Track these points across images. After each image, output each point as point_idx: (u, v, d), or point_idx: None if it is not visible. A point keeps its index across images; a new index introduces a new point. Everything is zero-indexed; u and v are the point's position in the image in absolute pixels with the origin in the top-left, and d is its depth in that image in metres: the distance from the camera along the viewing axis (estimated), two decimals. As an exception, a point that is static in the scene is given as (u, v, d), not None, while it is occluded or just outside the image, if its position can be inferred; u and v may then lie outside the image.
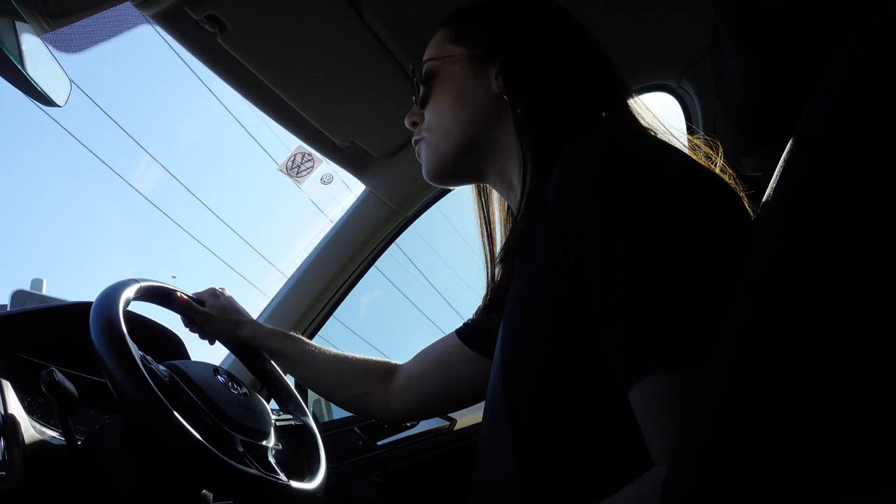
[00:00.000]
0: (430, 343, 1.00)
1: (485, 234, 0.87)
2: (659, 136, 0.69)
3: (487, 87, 0.72)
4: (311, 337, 1.44)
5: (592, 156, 0.56)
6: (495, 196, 0.87)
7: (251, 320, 1.03)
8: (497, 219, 0.87)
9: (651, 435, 0.49)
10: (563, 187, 0.56)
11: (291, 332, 1.05)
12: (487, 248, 0.87)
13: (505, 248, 0.69)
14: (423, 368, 0.98)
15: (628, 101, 0.72)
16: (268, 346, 1.02)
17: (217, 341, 1.02)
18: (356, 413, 1.12)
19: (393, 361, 1.04)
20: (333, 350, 1.04)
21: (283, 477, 0.73)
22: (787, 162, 0.38)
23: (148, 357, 0.71)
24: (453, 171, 0.77)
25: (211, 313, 0.99)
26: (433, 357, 0.98)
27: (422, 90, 0.77)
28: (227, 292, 1.05)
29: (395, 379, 1.00)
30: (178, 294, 0.96)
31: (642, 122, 0.71)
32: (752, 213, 0.60)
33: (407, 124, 0.80)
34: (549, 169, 0.62)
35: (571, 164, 0.56)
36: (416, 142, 0.79)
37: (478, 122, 0.73)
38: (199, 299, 1.01)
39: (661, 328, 0.49)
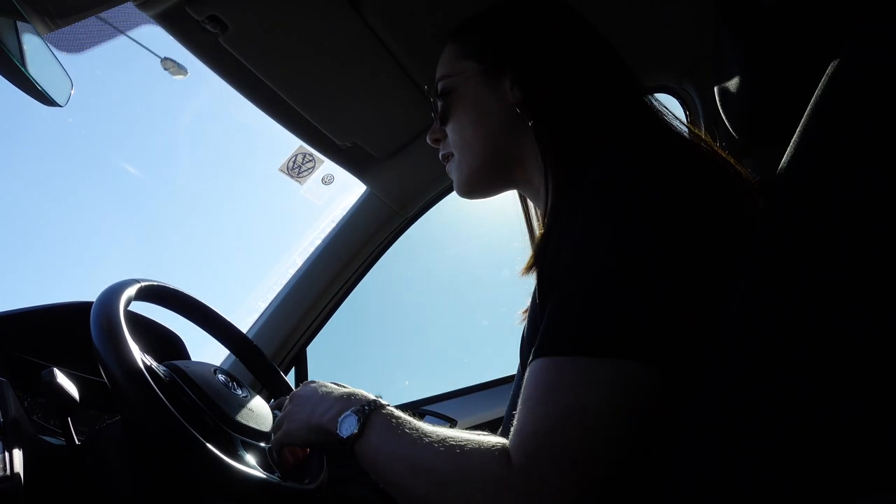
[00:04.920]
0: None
1: (529, 234, 0.88)
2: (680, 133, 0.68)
3: (503, 99, 0.72)
4: (311, 338, 1.44)
5: (600, 184, 0.55)
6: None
7: None
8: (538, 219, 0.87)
9: (518, 410, 0.50)
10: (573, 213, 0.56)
11: None
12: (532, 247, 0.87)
13: (533, 256, 0.69)
14: None
15: (643, 99, 0.71)
16: None
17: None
18: None
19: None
20: None
21: (281, 478, 0.73)
22: (788, 163, 0.38)
23: (147, 357, 0.71)
24: (483, 186, 0.79)
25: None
26: None
27: (440, 107, 0.78)
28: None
29: None
30: None
31: (665, 118, 0.70)
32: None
33: (429, 141, 0.83)
34: (573, 173, 0.62)
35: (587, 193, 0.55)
36: (444, 158, 0.82)
37: (500, 135, 0.74)
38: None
39: (580, 318, 0.49)
